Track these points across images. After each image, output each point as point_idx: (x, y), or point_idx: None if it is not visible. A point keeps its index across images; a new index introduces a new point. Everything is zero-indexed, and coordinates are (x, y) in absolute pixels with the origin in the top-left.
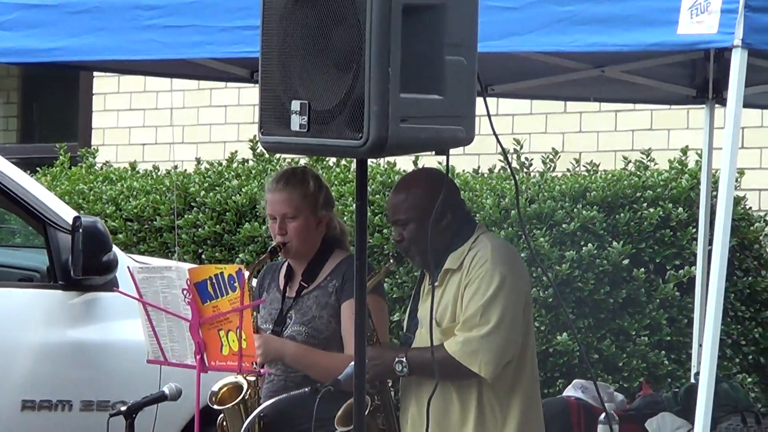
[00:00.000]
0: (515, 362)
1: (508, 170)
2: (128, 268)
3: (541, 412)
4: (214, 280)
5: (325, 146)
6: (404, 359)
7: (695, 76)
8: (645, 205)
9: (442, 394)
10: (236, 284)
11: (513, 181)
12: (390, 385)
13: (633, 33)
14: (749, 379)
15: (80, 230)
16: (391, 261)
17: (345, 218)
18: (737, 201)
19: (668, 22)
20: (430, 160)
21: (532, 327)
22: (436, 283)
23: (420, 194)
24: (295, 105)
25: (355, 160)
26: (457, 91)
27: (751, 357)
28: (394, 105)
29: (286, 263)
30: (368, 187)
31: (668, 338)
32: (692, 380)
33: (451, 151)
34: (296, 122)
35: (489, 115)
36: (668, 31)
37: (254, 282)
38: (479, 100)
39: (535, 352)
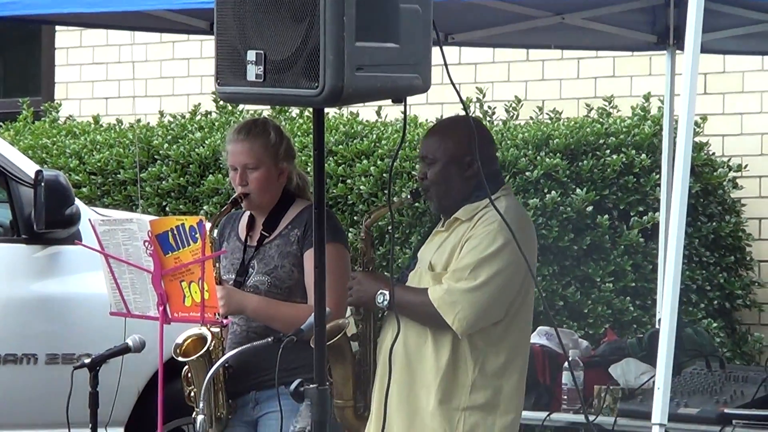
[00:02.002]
0: (503, 326)
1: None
2: (89, 220)
3: (523, 378)
4: (175, 232)
5: (282, 96)
6: (386, 293)
7: (656, 23)
8: (608, 151)
9: (419, 340)
10: (197, 235)
11: None
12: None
13: None
14: (714, 325)
15: (42, 184)
16: (408, 196)
17: (309, 170)
18: (700, 146)
19: None
20: (393, 110)
21: (530, 297)
22: (442, 228)
23: (454, 139)
24: (251, 55)
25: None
26: (412, 39)
27: (716, 302)
28: (350, 53)
29: (247, 213)
30: (332, 138)
31: (633, 284)
32: (657, 326)
33: (415, 100)
34: (252, 72)
35: (446, 65)
36: None
37: (215, 233)
38: (436, 50)
39: (530, 322)
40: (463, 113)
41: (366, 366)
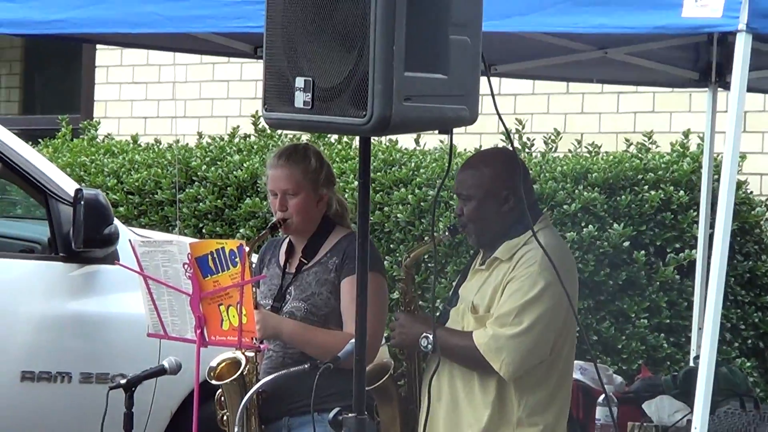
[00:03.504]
0: (547, 364)
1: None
2: (130, 241)
3: (565, 417)
4: (215, 255)
5: (329, 123)
6: (430, 336)
7: (698, 60)
8: (646, 187)
9: (465, 378)
10: (237, 259)
11: None
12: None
13: (637, 15)
14: (748, 364)
15: (82, 202)
16: (446, 233)
17: (346, 195)
18: (738, 185)
19: (673, 5)
20: (431, 139)
21: (572, 332)
22: (482, 267)
23: (488, 174)
24: (300, 82)
25: (357, 137)
26: (461, 71)
27: (750, 341)
28: (399, 83)
29: (286, 239)
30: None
31: (667, 321)
32: (691, 363)
33: (453, 130)
34: (300, 99)
35: (493, 95)
36: (673, 14)
37: (255, 257)
38: (483, 80)
39: (572, 356)
40: (501, 144)
41: (412, 405)
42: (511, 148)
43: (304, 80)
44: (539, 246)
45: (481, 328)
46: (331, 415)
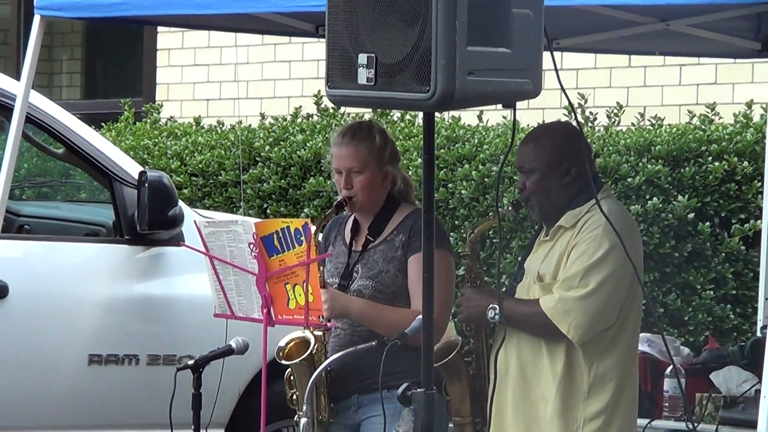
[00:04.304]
0: (614, 330)
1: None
2: (195, 222)
3: (636, 383)
4: (280, 234)
5: (393, 99)
6: (497, 307)
7: (760, 30)
8: (710, 159)
9: (533, 349)
10: (302, 238)
11: None
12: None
13: None
14: None
15: (146, 185)
16: (509, 208)
17: (410, 173)
18: None
19: None
20: (494, 114)
21: (639, 298)
22: (546, 238)
23: (549, 146)
24: (362, 58)
25: (420, 114)
26: (524, 44)
27: None
28: (461, 58)
29: (352, 217)
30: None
31: (734, 292)
32: (758, 334)
33: (516, 105)
34: (363, 75)
35: (556, 69)
36: None
37: (320, 236)
38: (546, 54)
39: (639, 323)
40: (564, 119)
41: (481, 381)
42: (574, 123)
43: (367, 56)
44: (604, 209)
45: (548, 294)
46: (400, 390)
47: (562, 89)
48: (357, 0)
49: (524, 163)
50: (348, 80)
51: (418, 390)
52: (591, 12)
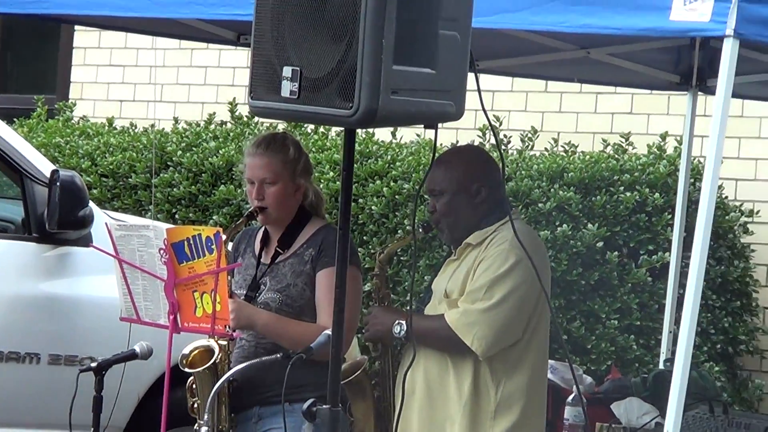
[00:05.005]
0: (521, 347)
1: (491, 145)
2: (106, 224)
3: (543, 403)
4: (191, 242)
5: (316, 114)
6: (403, 322)
7: (679, 63)
8: (622, 188)
9: (440, 369)
10: (213, 246)
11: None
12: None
13: (625, 17)
14: (716, 368)
15: (58, 183)
16: (420, 230)
17: (321, 186)
18: None
19: (661, 8)
20: (408, 132)
21: (546, 317)
22: (454, 257)
23: (459, 169)
24: (287, 71)
25: (334, 128)
26: (449, 66)
27: (719, 346)
28: (386, 76)
29: (262, 229)
30: None
31: (638, 323)
32: (661, 366)
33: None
34: (287, 88)
35: (479, 91)
36: (660, 17)
37: (230, 246)
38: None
39: (546, 343)
40: (477, 141)
41: (386, 402)
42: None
43: (292, 70)
44: (510, 227)
45: (453, 309)
46: (305, 405)
47: (484, 111)
48: (284, 12)
49: (434, 186)
50: (271, 92)
51: (324, 406)
52: (512, 36)
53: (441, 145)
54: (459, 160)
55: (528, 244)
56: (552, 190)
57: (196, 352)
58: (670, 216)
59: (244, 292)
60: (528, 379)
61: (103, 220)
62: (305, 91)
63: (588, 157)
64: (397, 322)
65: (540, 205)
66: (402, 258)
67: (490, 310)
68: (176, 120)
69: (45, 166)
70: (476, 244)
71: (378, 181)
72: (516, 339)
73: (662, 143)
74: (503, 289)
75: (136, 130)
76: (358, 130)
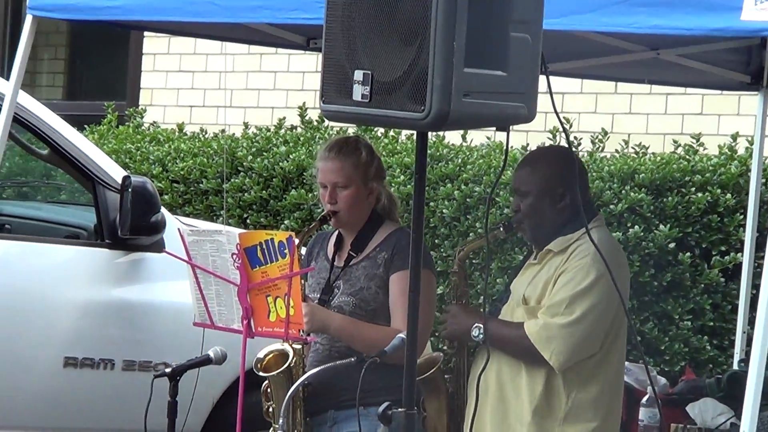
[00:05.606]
0: (596, 360)
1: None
2: (179, 230)
3: (617, 417)
4: (264, 246)
5: (387, 117)
6: (482, 326)
7: (750, 62)
8: (693, 189)
9: (512, 370)
10: (286, 251)
11: None
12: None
13: (695, 17)
14: None
15: (130, 189)
16: (501, 229)
17: (392, 189)
18: None
19: (731, 8)
20: (478, 134)
21: (623, 329)
22: (535, 261)
23: (545, 171)
24: (358, 75)
25: (404, 132)
26: (520, 68)
27: None
28: (458, 79)
29: (335, 232)
30: None
31: (711, 324)
32: (735, 367)
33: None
34: (358, 92)
35: (551, 93)
36: (731, 17)
37: (303, 250)
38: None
39: (623, 354)
40: (548, 142)
41: (459, 399)
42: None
43: (363, 73)
44: (594, 238)
45: (533, 319)
46: (381, 409)
47: (556, 113)
48: (355, 16)
49: (520, 185)
50: (343, 96)
51: (399, 410)
52: (582, 38)
53: (512, 147)
54: (545, 162)
55: (609, 256)
56: (623, 191)
57: (270, 356)
58: (742, 216)
59: (318, 295)
60: (601, 391)
61: (175, 225)
62: (377, 95)
63: (659, 158)
64: (475, 325)
65: (611, 206)
66: (474, 261)
67: (570, 326)
68: (246, 125)
69: (117, 173)
70: (558, 252)
71: (449, 185)
72: (593, 353)
73: (733, 144)
74: (583, 305)
75: (206, 136)
76: (429, 134)
